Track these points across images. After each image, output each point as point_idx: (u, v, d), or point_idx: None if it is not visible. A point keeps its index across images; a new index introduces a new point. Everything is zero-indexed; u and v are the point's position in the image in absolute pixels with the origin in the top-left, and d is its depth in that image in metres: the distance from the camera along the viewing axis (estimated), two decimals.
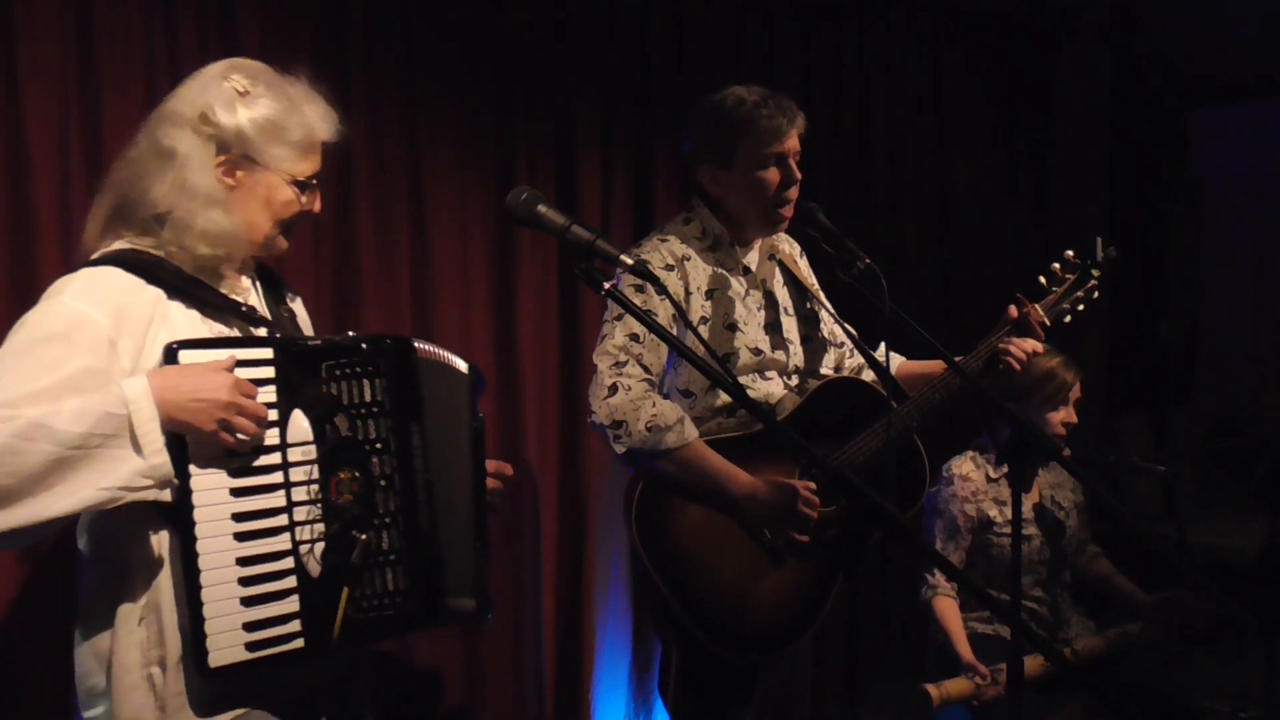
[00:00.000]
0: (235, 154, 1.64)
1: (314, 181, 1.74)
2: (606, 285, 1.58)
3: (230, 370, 1.51)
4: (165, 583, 1.53)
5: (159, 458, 1.45)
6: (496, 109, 3.07)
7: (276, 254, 1.77)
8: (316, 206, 1.77)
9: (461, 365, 1.82)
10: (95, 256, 1.60)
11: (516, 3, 3.08)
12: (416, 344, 1.72)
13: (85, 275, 1.55)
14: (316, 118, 1.71)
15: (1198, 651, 3.86)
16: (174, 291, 1.59)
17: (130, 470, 1.43)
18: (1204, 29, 5.06)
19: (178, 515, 1.48)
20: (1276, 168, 5.76)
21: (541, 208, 1.62)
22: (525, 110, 3.11)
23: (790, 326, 2.39)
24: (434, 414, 1.72)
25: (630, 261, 1.61)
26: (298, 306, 1.89)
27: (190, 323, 1.60)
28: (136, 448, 1.44)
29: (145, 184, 1.60)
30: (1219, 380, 5.99)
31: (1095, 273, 2.49)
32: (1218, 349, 6.03)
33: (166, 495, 1.49)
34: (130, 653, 1.52)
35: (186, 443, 1.49)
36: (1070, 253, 2.51)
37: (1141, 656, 2.80)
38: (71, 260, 1.67)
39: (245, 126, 1.63)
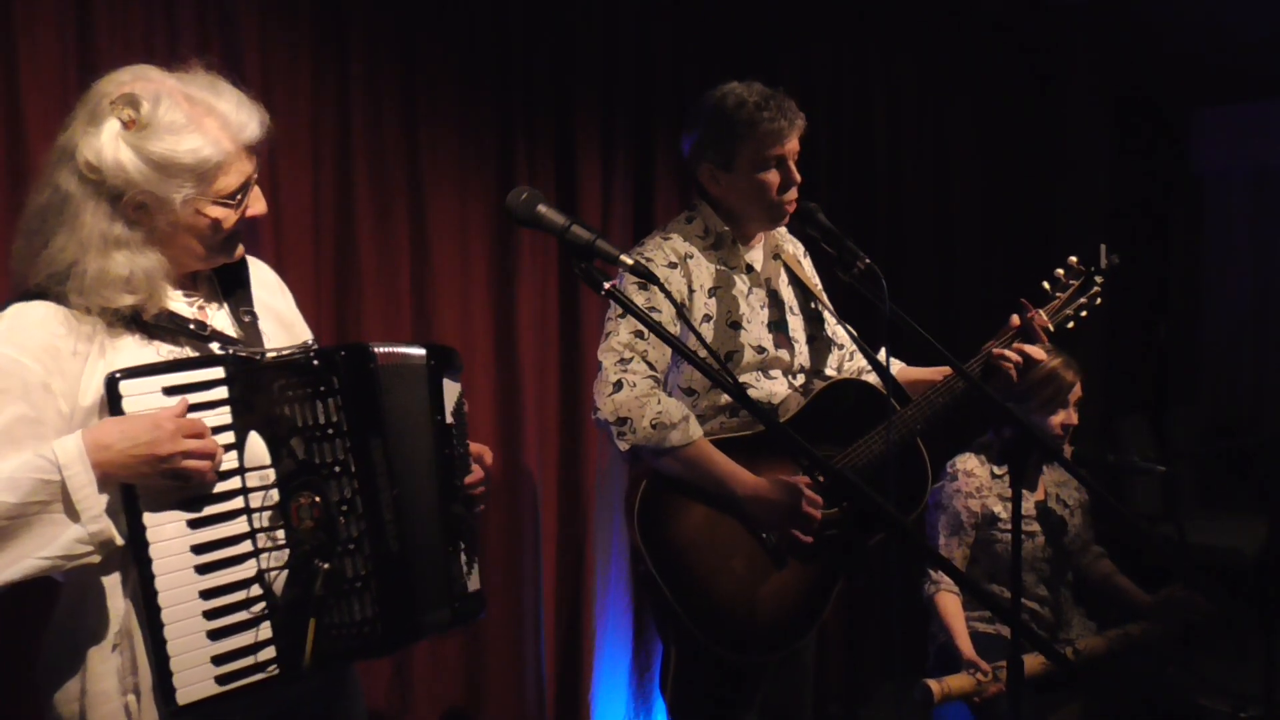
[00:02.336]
0: (133, 197, 1.47)
1: (238, 198, 1.56)
2: (607, 285, 1.57)
3: (179, 403, 1.44)
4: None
5: (97, 524, 1.39)
6: (496, 109, 3.07)
7: (232, 261, 1.64)
8: (259, 209, 1.62)
9: (419, 356, 1.67)
10: (31, 286, 1.50)
11: (517, 3, 3.08)
12: (375, 349, 1.58)
13: (11, 316, 1.47)
14: (221, 126, 1.52)
15: (1198, 651, 3.86)
16: (116, 319, 1.50)
17: (69, 539, 1.38)
18: (1204, 29, 5.06)
19: (134, 555, 1.43)
20: (1276, 168, 5.76)
21: (541, 208, 1.60)
22: (525, 110, 3.11)
23: (796, 325, 2.38)
24: (396, 421, 1.60)
25: (630, 261, 1.60)
26: (269, 295, 1.75)
27: (136, 347, 1.51)
28: (73, 515, 1.38)
29: (48, 231, 1.48)
30: (1219, 380, 6.00)
31: (1098, 279, 2.49)
32: (1218, 349, 6.04)
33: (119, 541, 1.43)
34: (107, 681, 1.48)
35: (136, 491, 1.43)
36: (1074, 259, 2.51)
37: (1141, 656, 2.80)
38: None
39: (138, 169, 1.46)
